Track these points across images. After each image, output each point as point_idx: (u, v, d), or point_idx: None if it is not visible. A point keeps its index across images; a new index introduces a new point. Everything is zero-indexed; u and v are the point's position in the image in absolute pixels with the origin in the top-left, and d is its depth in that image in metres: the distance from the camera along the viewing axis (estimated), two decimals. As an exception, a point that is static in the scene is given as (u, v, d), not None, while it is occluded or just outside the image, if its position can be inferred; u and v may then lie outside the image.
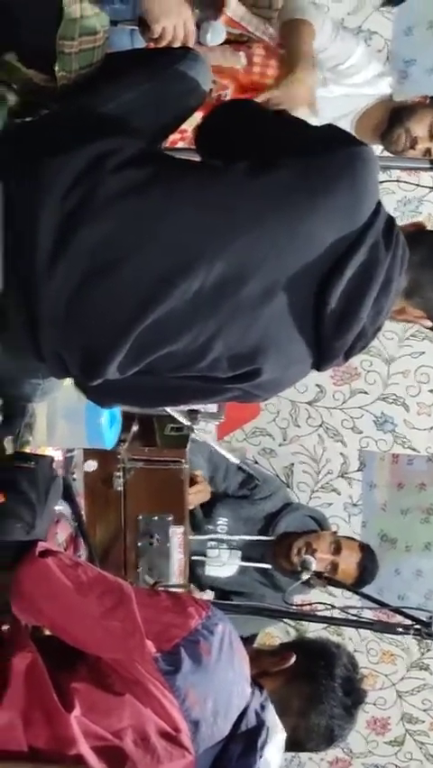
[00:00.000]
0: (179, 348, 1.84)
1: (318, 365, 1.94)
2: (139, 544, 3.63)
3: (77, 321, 1.82)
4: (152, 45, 2.35)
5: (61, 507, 3.13)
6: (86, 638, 1.98)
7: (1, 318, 1.81)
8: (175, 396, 2.11)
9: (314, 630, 4.37)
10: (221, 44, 2.86)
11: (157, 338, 1.83)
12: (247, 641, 2.31)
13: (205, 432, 3.80)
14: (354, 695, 2.30)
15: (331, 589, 4.09)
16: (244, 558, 4.00)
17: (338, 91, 3.33)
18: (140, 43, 2.49)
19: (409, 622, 2.73)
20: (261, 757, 2.06)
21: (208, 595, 3.93)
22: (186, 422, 3.62)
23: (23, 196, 1.78)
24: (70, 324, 1.82)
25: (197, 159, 2.24)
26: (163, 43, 2.24)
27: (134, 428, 3.59)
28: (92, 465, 3.54)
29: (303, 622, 4.12)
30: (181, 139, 2.88)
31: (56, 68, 2.10)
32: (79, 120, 2.01)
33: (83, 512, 3.52)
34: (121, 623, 1.96)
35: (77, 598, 1.98)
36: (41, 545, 2.05)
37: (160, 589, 2.67)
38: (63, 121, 2.05)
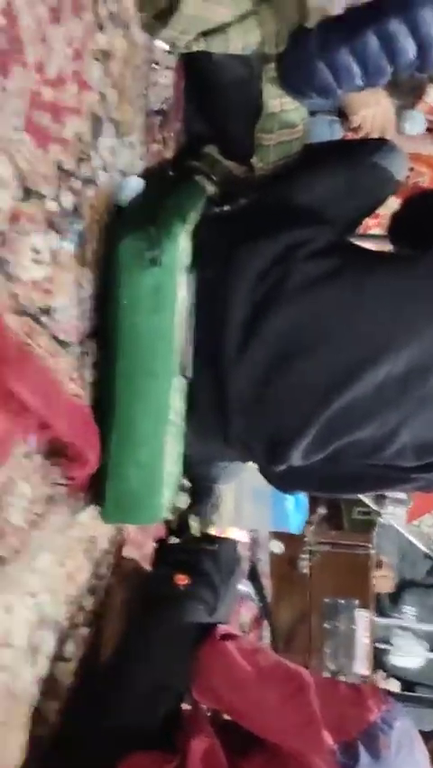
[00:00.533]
0: (365, 436, 1.83)
1: None
2: (324, 626, 3.58)
3: (264, 406, 1.83)
4: (350, 135, 2.37)
5: (246, 588, 3.14)
6: (263, 725, 1.96)
7: (189, 401, 1.85)
8: (359, 483, 2.09)
9: None
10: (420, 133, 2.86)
11: (342, 425, 1.82)
12: (429, 736, 2.24)
13: (393, 516, 3.75)
14: None
15: None
16: (431, 649, 3.90)
17: None
18: (339, 133, 2.52)
19: None
20: None
21: (393, 685, 3.85)
22: (374, 506, 3.59)
23: (215, 282, 1.83)
24: (257, 410, 1.84)
25: (388, 247, 2.24)
26: (362, 134, 2.26)
27: (321, 511, 3.58)
28: (278, 546, 3.55)
29: None
30: (377, 225, 2.88)
31: (254, 160, 2.15)
32: (274, 209, 2.05)
33: (268, 593, 3.52)
34: (298, 712, 1.94)
35: (255, 684, 1.97)
36: (222, 629, 2.05)
37: (340, 678, 2.61)
38: (258, 210, 2.09)
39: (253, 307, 1.80)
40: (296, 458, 1.87)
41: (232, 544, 2.34)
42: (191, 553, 2.15)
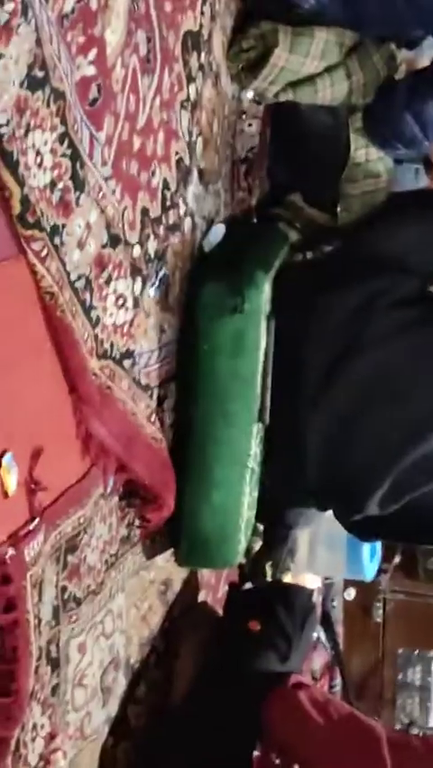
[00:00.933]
0: None
1: None
2: (398, 678, 3.53)
3: (339, 455, 1.83)
4: (435, 184, 2.38)
5: (319, 634, 3.11)
6: None
7: (268, 446, 1.86)
8: None
9: None
10: None
11: (417, 477, 1.82)
12: None
13: None
14: None
15: None
16: None
17: None
18: (424, 182, 2.52)
19: None
20: None
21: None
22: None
23: (295, 329, 1.83)
24: (333, 458, 1.84)
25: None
26: None
27: (396, 559, 3.54)
28: (352, 593, 3.52)
29: None
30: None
31: (338, 209, 2.16)
32: (356, 258, 2.05)
33: (340, 640, 3.49)
34: (371, 766, 1.91)
35: (327, 736, 1.94)
36: (295, 678, 2.03)
37: (413, 732, 2.56)
38: (341, 258, 2.10)
39: (332, 356, 1.80)
40: (372, 508, 1.86)
41: (306, 591, 2.32)
42: (265, 600, 2.14)
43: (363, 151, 2.09)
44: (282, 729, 1.95)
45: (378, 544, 3.22)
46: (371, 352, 1.80)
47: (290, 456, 1.87)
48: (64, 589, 1.40)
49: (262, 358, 1.70)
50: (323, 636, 3.28)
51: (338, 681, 3.50)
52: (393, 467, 1.80)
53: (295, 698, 1.96)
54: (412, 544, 3.11)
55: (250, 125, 2.03)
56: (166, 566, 1.87)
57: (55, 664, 1.39)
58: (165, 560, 1.86)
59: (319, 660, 3.33)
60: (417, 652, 3.65)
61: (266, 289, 1.69)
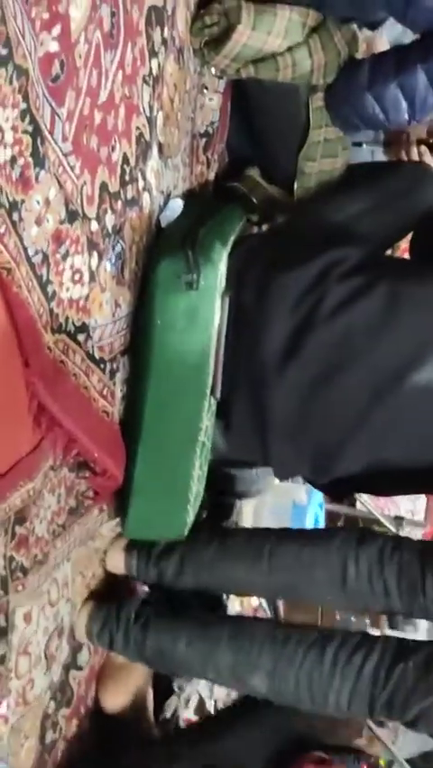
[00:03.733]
0: (409, 441, 1.85)
1: None
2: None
3: (306, 426, 1.86)
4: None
5: (262, 602, 3.13)
6: None
7: (226, 421, 1.88)
8: (404, 485, 2.11)
9: None
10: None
11: (387, 434, 1.85)
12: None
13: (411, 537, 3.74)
14: None
15: None
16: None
17: None
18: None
19: None
20: None
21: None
22: (391, 527, 3.59)
23: (253, 307, 1.85)
24: (300, 430, 1.86)
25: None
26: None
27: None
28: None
29: None
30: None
31: (295, 186, 2.18)
32: (309, 231, 2.07)
33: (281, 609, 3.52)
34: None
35: None
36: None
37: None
38: (294, 232, 2.12)
39: (291, 332, 1.82)
40: (342, 471, 1.89)
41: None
42: None
43: (322, 131, 2.11)
44: None
45: (322, 511, 3.26)
46: (328, 324, 1.82)
47: (252, 431, 1.89)
48: (11, 559, 1.41)
49: (215, 334, 1.72)
50: (264, 603, 3.31)
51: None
52: (360, 430, 1.83)
53: None
54: (381, 495, 3.13)
55: (211, 100, 2.04)
56: (111, 535, 1.89)
57: (2, 633, 1.41)
58: (110, 529, 1.88)
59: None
60: (354, 618, 3.70)
61: (221, 267, 1.70)
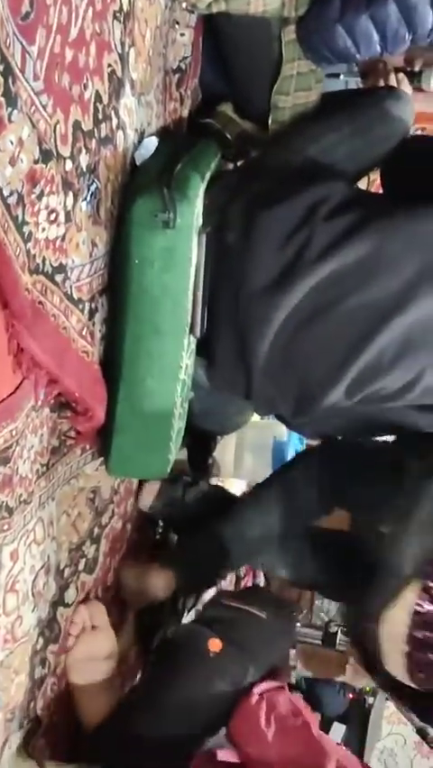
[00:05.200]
0: (391, 381, 1.87)
1: None
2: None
3: (291, 364, 1.88)
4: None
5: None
6: None
7: (209, 358, 1.89)
8: (383, 426, 2.14)
9: None
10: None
11: (371, 374, 1.87)
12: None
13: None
14: None
15: None
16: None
17: None
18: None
19: None
20: None
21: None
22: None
23: (236, 246, 1.85)
24: (284, 368, 1.88)
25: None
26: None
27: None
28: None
29: None
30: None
31: (269, 121, 2.17)
32: (287, 165, 2.07)
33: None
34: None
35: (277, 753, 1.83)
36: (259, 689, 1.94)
37: (332, 630, 2.58)
38: (273, 167, 2.11)
39: (278, 273, 1.83)
40: (322, 410, 1.92)
41: (289, 612, 2.11)
42: (233, 617, 2.00)
43: (295, 64, 2.09)
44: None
45: (302, 447, 3.29)
46: (317, 265, 1.83)
47: (236, 369, 1.91)
48: (-4, 495, 1.43)
49: (192, 272, 1.72)
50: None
51: (262, 579, 3.59)
52: (346, 369, 1.85)
53: (255, 714, 1.88)
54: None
55: (183, 35, 2.02)
56: (95, 474, 1.91)
57: (-11, 573, 1.43)
58: (94, 468, 1.89)
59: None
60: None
61: (197, 203, 1.70)
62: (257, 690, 1.91)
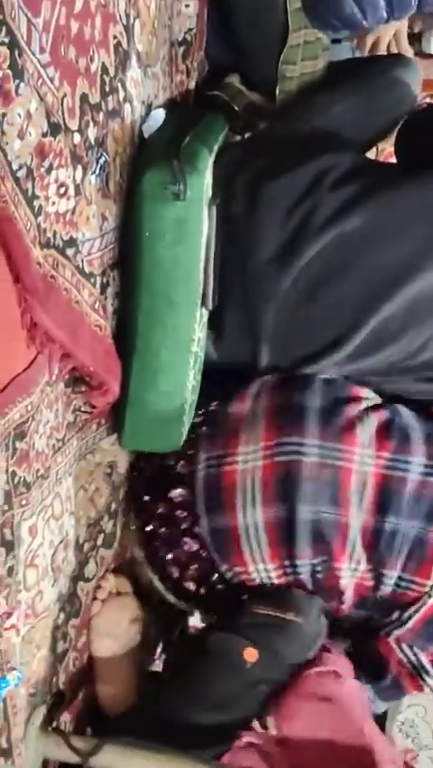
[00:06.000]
0: (396, 351, 1.87)
1: None
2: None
3: (298, 334, 1.88)
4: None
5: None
6: None
7: (218, 330, 1.90)
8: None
9: None
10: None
11: (376, 343, 1.87)
12: None
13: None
14: None
15: None
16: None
17: None
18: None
19: None
20: None
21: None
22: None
23: (243, 217, 1.85)
24: (291, 336, 1.88)
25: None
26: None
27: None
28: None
29: None
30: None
31: (277, 91, 2.16)
32: (294, 136, 2.06)
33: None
34: None
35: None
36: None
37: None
38: (279, 137, 2.11)
39: (284, 242, 1.83)
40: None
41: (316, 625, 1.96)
42: (268, 625, 1.89)
43: (302, 33, 2.08)
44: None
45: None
46: (323, 234, 1.83)
47: (244, 339, 1.91)
48: (14, 474, 1.43)
49: (204, 244, 1.71)
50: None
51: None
52: (350, 338, 1.86)
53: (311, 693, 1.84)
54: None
55: (187, 6, 2.01)
56: (111, 449, 1.91)
57: (9, 547, 1.44)
58: (110, 443, 1.90)
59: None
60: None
61: (207, 175, 1.69)
62: (315, 669, 1.86)
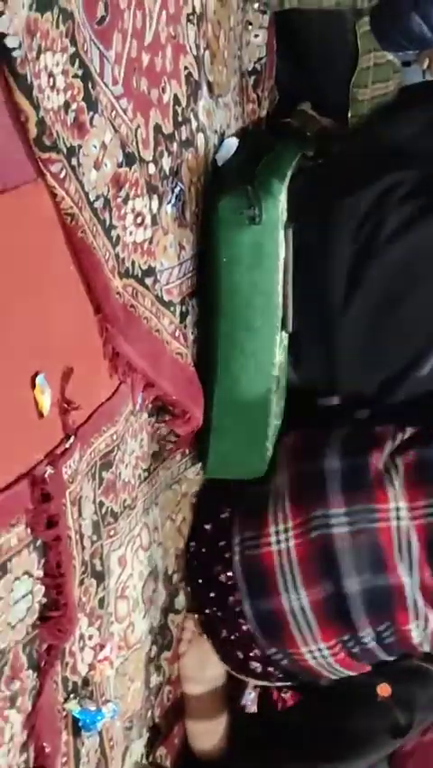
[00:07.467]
0: None
1: None
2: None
3: (372, 353, 1.86)
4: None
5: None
6: None
7: (296, 355, 1.88)
8: None
9: None
10: None
11: None
12: None
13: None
14: None
15: None
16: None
17: None
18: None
19: None
20: None
21: None
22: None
23: (316, 239, 1.85)
24: (367, 356, 1.86)
25: None
26: None
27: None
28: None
29: None
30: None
31: (349, 115, 2.16)
32: (365, 158, 2.05)
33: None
34: None
35: None
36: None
37: None
38: (351, 159, 2.10)
39: (353, 260, 1.82)
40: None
41: None
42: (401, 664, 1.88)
43: (371, 55, 2.08)
44: None
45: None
46: (390, 247, 1.81)
47: (320, 362, 1.90)
48: (101, 504, 1.43)
49: (281, 268, 1.71)
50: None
51: None
52: (427, 355, 1.82)
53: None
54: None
55: (256, 36, 2.02)
56: (197, 479, 1.91)
57: (100, 577, 1.44)
58: (195, 473, 1.89)
59: None
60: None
61: (282, 199, 1.70)
62: None
